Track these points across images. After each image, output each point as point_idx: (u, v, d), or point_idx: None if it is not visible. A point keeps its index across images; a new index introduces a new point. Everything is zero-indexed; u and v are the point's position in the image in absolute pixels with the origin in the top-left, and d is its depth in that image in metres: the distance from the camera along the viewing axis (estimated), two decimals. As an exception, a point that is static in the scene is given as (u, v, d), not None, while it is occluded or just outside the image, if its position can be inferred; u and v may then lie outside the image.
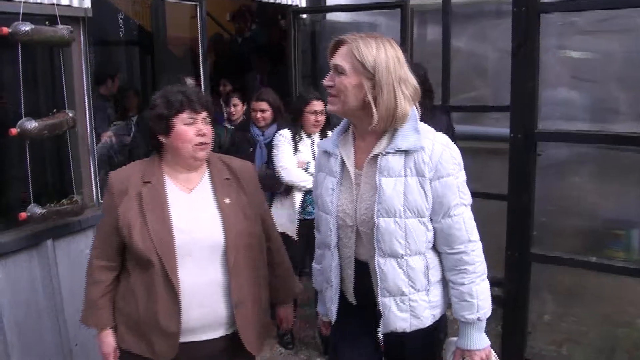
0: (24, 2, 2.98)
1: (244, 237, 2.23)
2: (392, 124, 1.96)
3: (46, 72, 3.45)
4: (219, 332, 2.25)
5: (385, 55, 1.91)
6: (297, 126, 4.02)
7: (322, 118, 3.99)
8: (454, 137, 3.62)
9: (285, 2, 5.06)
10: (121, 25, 5.36)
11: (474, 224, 2.06)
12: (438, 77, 4.74)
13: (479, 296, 2.07)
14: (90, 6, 3.38)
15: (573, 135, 3.35)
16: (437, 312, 2.15)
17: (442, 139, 2.02)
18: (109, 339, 2.28)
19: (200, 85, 4.39)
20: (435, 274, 2.10)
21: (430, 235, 2.05)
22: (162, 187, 2.21)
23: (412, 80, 1.98)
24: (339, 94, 1.96)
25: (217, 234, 2.19)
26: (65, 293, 3.35)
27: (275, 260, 2.47)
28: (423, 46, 4.96)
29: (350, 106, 1.96)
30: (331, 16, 5.52)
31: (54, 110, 3.32)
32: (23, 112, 3.04)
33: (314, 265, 2.38)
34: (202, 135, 2.20)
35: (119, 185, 2.23)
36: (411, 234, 2.00)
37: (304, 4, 5.25)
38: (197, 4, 4.29)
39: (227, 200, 2.25)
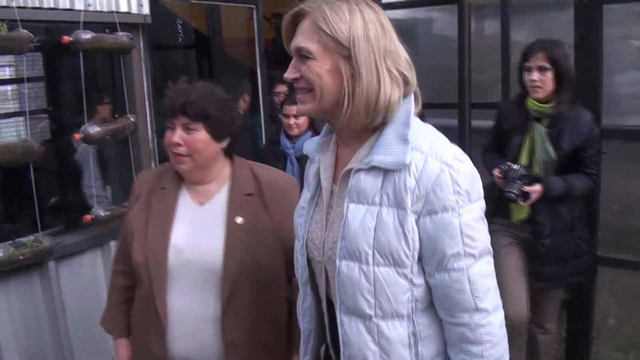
0: (84, 11, 3.07)
1: (249, 267, 1.88)
2: (372, 118, 1.37)
3: (107, 79, 3.55)
4: None
5: (362, 20, 1.34)
6: None
7: None
8: (599, 140, 3.04)
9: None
10: (180, 31, 5.46)
11: (489, 285, 1.38)
12: (497, 73, 4.65)
13: None
14: (149, 13, 3.45)
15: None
16: None
17: (445, 153, 1.35)
18: (122, 348, 2.13)
19: (259, 88, 4.41)
20: (430, 347, 1.43)
21: (419, 292, 1.40)
22: (173, 196, 1.98)
23: (403, 53, 1.40)
24: (312, 86, 1.37)
25: (214, 259, 1.88)
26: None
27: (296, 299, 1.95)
28: (481, 41, 4.86)
29: (328, 101, 1.37)
30: (386, 12, 5.47)
31: (116, 116, 3.42)
32: (86, 118, 3.13)
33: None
34: (173, 144, 1.89)
35: (138, 187, 2.07)
36: (383, 289, 1.37)
37: (358, 2, 5.21)
38: (254, 6, 4.32)
39: (238, 220, 1.91)
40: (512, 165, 2.92)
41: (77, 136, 3.03)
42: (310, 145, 1.60)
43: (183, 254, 1.91)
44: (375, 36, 1.34)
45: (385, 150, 1.36)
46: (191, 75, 5.70)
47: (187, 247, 1.91)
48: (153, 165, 3.62)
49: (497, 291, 1.40)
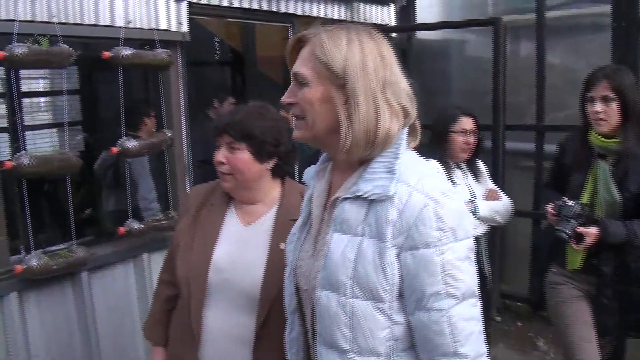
0: (125, 28, 3.15)
1: None
2: (371, 150, 1.35)
3: (145, 94, 3.62)
4: None
5: (360, 51, 1.33)
6: (443, 152, 3.10)
7: (472, 140, 3.14)
8: None
9: (374, 21, 5.08)
10: (217, 48, 5.52)
11: (471, 330, 1.31)
12: (532, 94, 4.63)
13: None
14: (188, 30, 3.51)
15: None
16: None
17: (432, 187, 1.31)
18: (157, 356, 2.14)
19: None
20: None
21: (399, 331, 1.35)
22: (221, 213, 1.99)
23: (404, 85, 1.38)
24: (304, 113, 1.38)
25: (252, 283, 1.86)
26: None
27: None
28: (516, 63, 4.84)
29: (320, 129, 1.37)
30: (420, 34, 5.49)
31: (153, 130, 3.47)
32: (123, 132, 3.19)
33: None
34: (217, 162, 1.93)
35: (189, 201, 2.09)
36: (359, 323, 1.32)
37: (393, 23, 5.24)
38: (289, 25, 4.35)
39: (282, 246, 1.83)
40: (568, 201, 2.65)
41: (114, 149, 3.09)
42: (308, 172, 1.60)
43: (223, 273, 1.91)
44: (375, 67, 1.33)
45: (371, 180, 1.34)
46: (226, 92, 5.79)
47: (227, 266, 1.91)
48: (187, 179, 3.66)
49: (481, 337, 1.34)
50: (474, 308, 1.32)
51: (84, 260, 2.96)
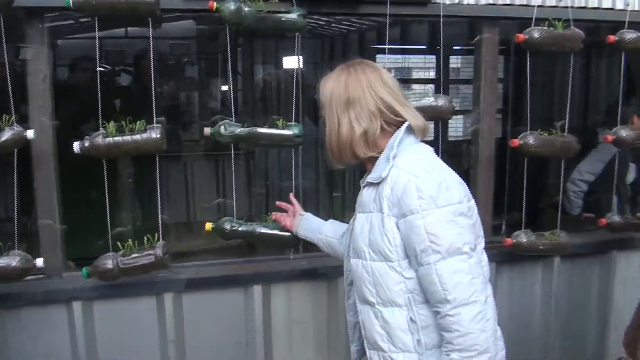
0: (630, 11, 3.01)
1: None
2: (343, 155, 1.76)
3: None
4: None
5: (332, 83, 1.76)
6: None
7: None
8: None
9: None
10: None
11: (459, 280, 1.56)
12: None
13: None
14: None
15: None
16: None
17: (416, 166, 1.65)
18: None
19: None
20: (432, 336, 1.67)
21: (412, 284, 1.66)
22: None
23: (373, 104, 1.71)
24: None
25: None
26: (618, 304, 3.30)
27: None
28: None
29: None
30: None
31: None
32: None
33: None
34: None
35: None
36: (378, 280, 1.70)
37: None
38: None
39: None
40: None
41: (609, 137, 2.99)
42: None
43: None
44: (337, 92, 1.73)
45: (376, 169, 1.73)
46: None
47: None
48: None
49: (472, 287, 1.57)
50: (462, 263, 1.57)
51: (566, 245, 2.94)
